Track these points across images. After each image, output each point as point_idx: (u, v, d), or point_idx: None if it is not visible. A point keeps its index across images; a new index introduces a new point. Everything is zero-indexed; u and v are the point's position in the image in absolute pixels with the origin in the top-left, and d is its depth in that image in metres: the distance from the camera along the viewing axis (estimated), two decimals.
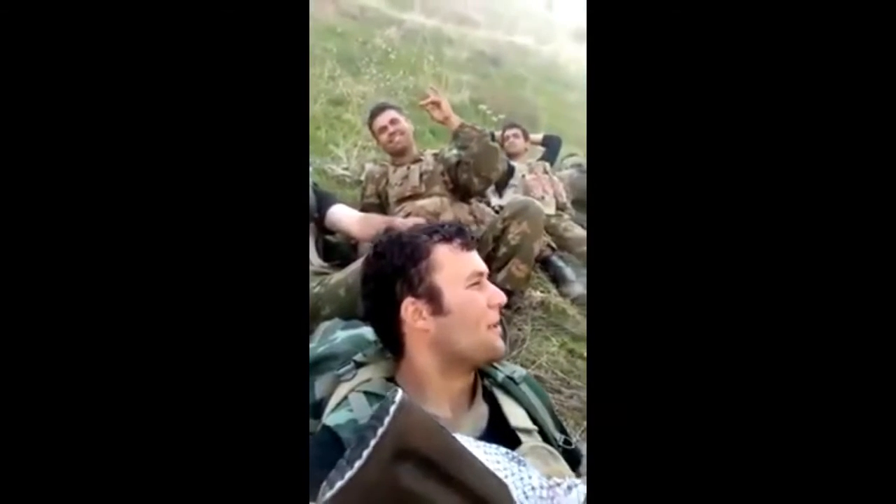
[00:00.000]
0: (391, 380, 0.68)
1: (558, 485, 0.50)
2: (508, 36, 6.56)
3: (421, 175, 1.93)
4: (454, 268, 0.65)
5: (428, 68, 4.15)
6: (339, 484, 0.36)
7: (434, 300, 0.64)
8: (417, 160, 1.96)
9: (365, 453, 0.37)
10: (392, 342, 0.69)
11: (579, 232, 2.19)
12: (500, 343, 0.66)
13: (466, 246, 0.67)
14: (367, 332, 0.83)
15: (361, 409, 0.61)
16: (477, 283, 0.66)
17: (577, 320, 1.59)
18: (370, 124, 2.00)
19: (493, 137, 2.87)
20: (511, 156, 2.74)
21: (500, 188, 2.56)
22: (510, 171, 2.58)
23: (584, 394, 1.16)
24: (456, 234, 0.67)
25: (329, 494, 0.36)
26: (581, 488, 0.49)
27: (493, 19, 6.87)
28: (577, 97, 5.56)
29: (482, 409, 0.67)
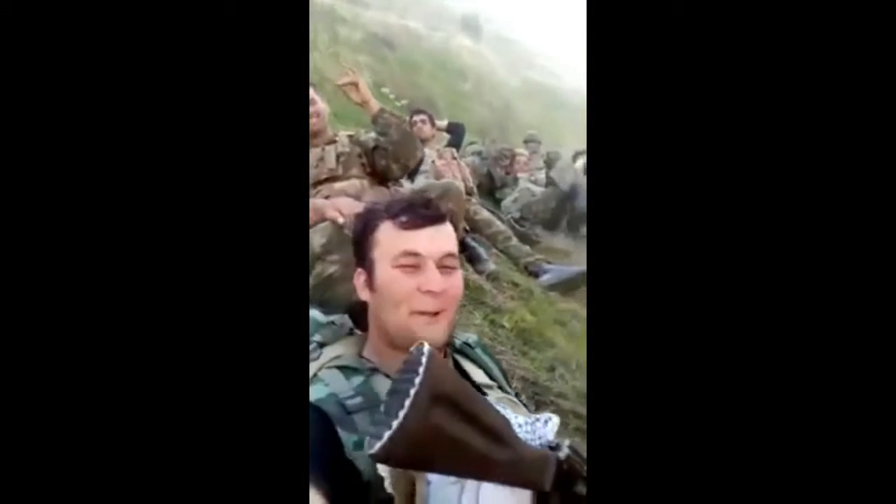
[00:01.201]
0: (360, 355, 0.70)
1: (538, 420, 0.56)
2: (400, 19, 6.54)
3: (337, 157, 1.90)
4: (388, 245, 0.65)
5: (323, 47, 4.00)
6: (387, 433, 0.40)
7: (371, 274, 0.65)
8: (332, 141, 1.92)
9: (407, 402, 0.41)
10: (361, 312, 0.72)
11: (486, 215, 2.35)
12: (421, 333, 0.61)
13: (409, 224, 0.64)
14: (317, 314, 0.84)
15: (338, 384, 0.61)
16: (411, 265, 0.63)
17: (493, 294, 1.74)
18: None
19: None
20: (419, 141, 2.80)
21: (412, 173, 2.61)
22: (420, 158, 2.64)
23: (509, 357, 1.30)
24: (402, 211, 0.65)
25: (379, 445, 0.40)
26: (555, 419, 0.55)
27: (384, 2, 6.78)
28: (470, 87, 5.78)
29: None
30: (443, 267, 0.64)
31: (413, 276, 0.63)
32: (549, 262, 2.25)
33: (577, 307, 2.02)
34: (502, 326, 1.53)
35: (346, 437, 0.56)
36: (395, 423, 0.41)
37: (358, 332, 0.73)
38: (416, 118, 2.91)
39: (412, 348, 0.50)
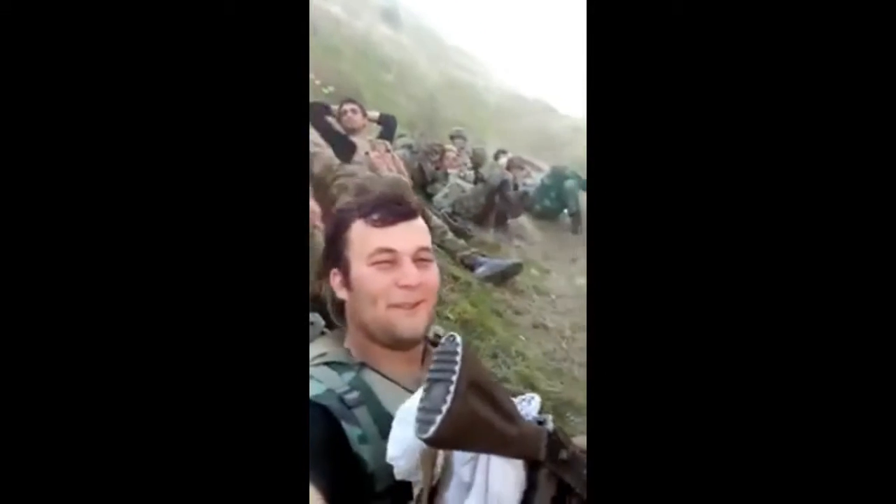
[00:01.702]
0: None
1: (524, 399, 0.62)
2: (321, 3, 6.29)
3: None
4: (361, 244, 0.66)
5: None
6: (439, 418, 0.44)
7: (346, 274, 0.67)
8: None
9: (451, 388, 0.45)
10: (336, 310, 0.72)
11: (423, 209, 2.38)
12: (400, 325, 0.63)
13: (381, 222, 0.65)
14: None
15: (332, 380, 0.62)
16: (386, 262, 0.64)
17: None
18: None
19: (330, 111, 2.83)
20: (349, 131, 2.74)
21: (345, 163, 2.56)
22: (352, 147, 2.59)
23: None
24: (374, 209, 0.66)
25: (433, 429, 0.43)
26: (537, 398, 0.59)
27: None
28: (393, 79, 5.74)
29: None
30: (418, 260, 0.65)
31: (389, 271, 0.64)
32: (483, 256, 2.35)
33: (510, 297, 2.14)
34: (447, 318, 1.59)
35: (351, 431, 0.57)
36: (444, 408, 0.44)
37: (327, 330, 0.74)
38: (347, 107, 2.85)
39: (443, 339, 0.54)
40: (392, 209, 0.67)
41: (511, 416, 0.53)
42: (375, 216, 0.66)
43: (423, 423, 0.46)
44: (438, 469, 0.54)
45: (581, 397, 1.55)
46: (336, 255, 0.68)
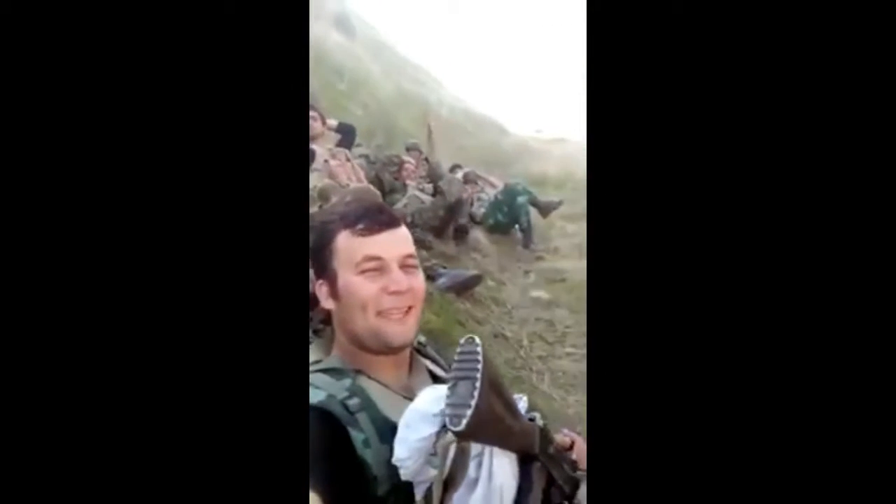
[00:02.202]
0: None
1: (516, 402, 0.67)
2: None
3: None
4: (347, 253, 0.66)
5: None
6: (469, 412, 0.47)
7: (332, 284, 0.67)
8: None
9: (477, 385, 0.49)
10: (324, 320, 0.74)
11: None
12: (390, 332, 0.64)
13: (367, 231, 0.65)
14: None
15: (332, 386, 0.62)
16: (374, 269, 0.65)
17: None
18: None
19: None
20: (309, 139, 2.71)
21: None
22: (311, 154, 2.56)
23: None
24: (358, 218, 0.66)
25: (465, 422, 0.47)
26: (525, 398, 0.64)
27: None
28: (346, 87, 5.71)
29: (422, 375, 0.72)
30: (405, 267, 0.67)
31: (377, 279, 0.65)
32: (443, 267, 2.39)
33: (470, 307, 2.20)
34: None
35: (355, 436, 0.58)
36: (473, 403, 0.48)
37: (314, 338, 0.74)
38: None
39: (463, 340, 0.57)
40: (377, 218, 0.67)
41: (516, 412, 0.58)
42: (361, 225, 0.67)
43: (454, 417, 0.50)
44: (448, 466, 0.57)
45: (542, 403, 1.61)
46: (321, 265, 0.68)
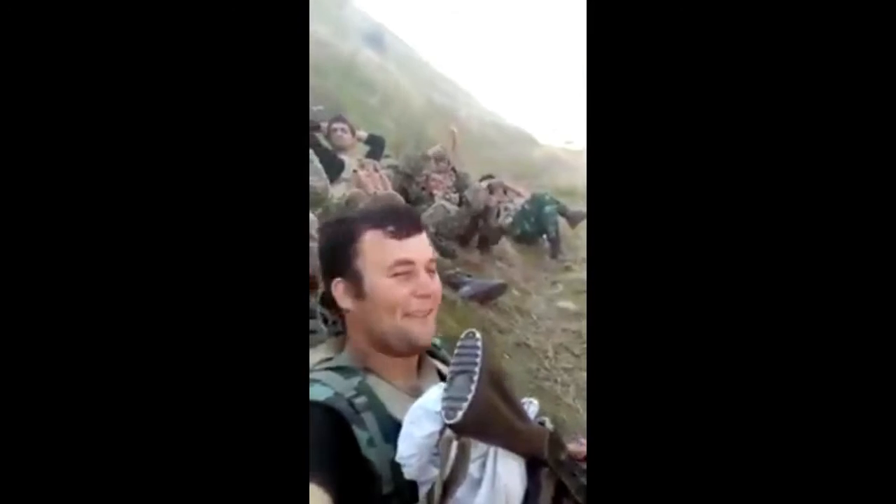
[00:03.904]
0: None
1: (523, 403, 0.63)
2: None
3: None
4: (377, 255, 0.66)
5: None
6: (465, 405, 0.47)
7: (356, 284, 0.66)
8: None
9: (475, 378, 0.49)
10: (338, 320, 0.74)
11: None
12: (416, 333, 0.66)
13: (398, 233, 0.66)
14: None
15: (340, 384, 0.63)
16: (405, 273, 0.66)
17: None
18: None
19: (318, 128, 2.86)
20: (338, 149, 2.78)
21: (331, 182, 2.58)
22: (340, 165, 2.63)
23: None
24: (387, 219, 0.67)
25: (461, 414, 0.46)
26: (535, 402, 0.64)
27: None
28: (377, 102, 5.83)
29: (432, 375, 0.73)
30: (429, 271, 0.68)
31: (406, 282, 0.66)
32: (467, 276, 2.39)
33: (494, 316, 2.18)
34: (435, 336, 1.60)
35: (360, 434, 0.58)
36: (469, 396, 0.48)
37: (327, 337, 0.74)
38: (336, 125, 2.89)
39: (463, 335, 0.57)
40: (408, 221, 0.68)
41: (521, 413, 0.57)
42: (392, 227, 0.66)
43: (449, 410, 0.50)
44: (450, 464, 0.56)
45: (564, 414, 1.58)
46: (340, 264, 0.68)
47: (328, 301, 0.72)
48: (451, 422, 0.48)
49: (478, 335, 0.52)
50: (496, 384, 0.52)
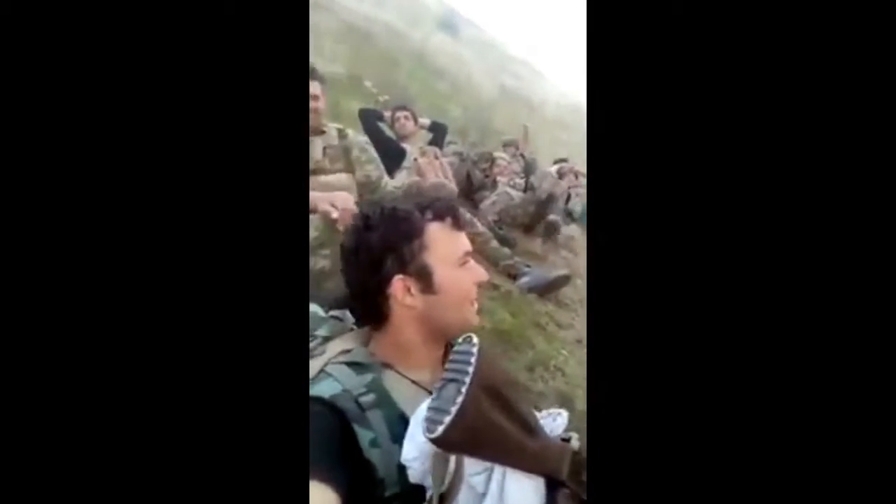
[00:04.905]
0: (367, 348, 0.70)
1: (549, 415, 0.59)
2: (377, 12, 6.47)
3: (324, 149, 1.87)
4: (446, 247, 0.65)
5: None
6: (448, 419, 0.41)
7: (424, 279, 0.64)
8: (320, 132, 1.89)
9: (464, 390, 0.43)
10: (374, 314, 0.70)
11: (468, 216, 2.37)
12: (474, 319, 0.68)
13: (458, 225, 0.66)
14: (316, 308, 0.82)
15: (349, 380, 0.61)
16: (465, 262, 0.67)
17: None
18: None
19: (382, 117, 2.89)
20: (401, 137, 2.79)
21: (392, 170, 2.60)
22: (401, 153, 2.63)
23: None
24: (448, 211, 0.66)
25: (442, 429, 0.41)
26: (564, 415, 0.58)
27: None
28: (446, 87, 5.80)
29: None
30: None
31: (467, 272, 0.67)
32: (527, 266, 2.30)
33: (553, 309, 2.07)
34: (482, 327, 1.55)
35: (363, 434, 0.56)
36: (454, 409, 0.43)
37: (355, 328, 0.72)
38: (399, 114, 2.89)
39: (461, 339, 0.52)
40: (461, 213, 0.68)
41: (530, 427, 0.50)
42: (451, 219, 0.66)
43: (431, 423, 0.45)
44: (449, 475, 0.52)
45: None
46: (403, 259, 0.64)
47: (366, 295, 0.69)
48: (432, 436, 0.42)
49: (475, 340, 0.47)
50: (495, 395, 0.46)
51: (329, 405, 0.57)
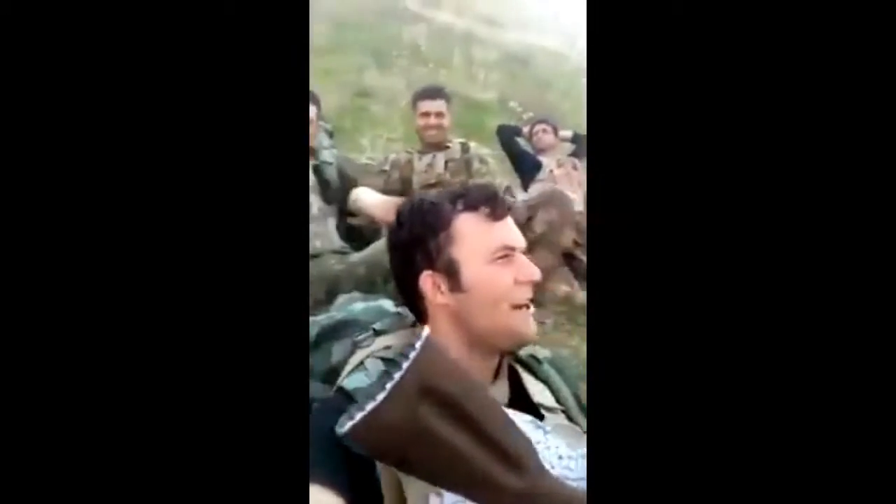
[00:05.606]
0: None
1: (583, 455, 0.46)
2: (539, 37, 6.52)
3: (446, 163, 1.90)
4: (477, 240, 0.58)
5: (458, 64, 4.13)
6: (359, 415, 0.33)
7: (452, 275, 0.59)
8: (444, 148, 1.93)
9: (389, 385, 0.34)
10: (415, 313, 0.65)
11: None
12: (526, 327, 0.59)
13: (495, 215, 0.59)
14: (387, 303, 0.79)
15: (376, 376, 0.58)
16: (505, 257, 0.59)
17: None
18: (415, 101, 1.96)
19: (520, 132, 2.85)
20: (539, 151, 2.69)
21: (526, 183, 2.52)
22: (537, 166, 2.54)
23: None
24: (483, 200, 0.60)
25: (349, 425, 0.33)
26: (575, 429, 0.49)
27: (523, 20, 6.83)
28: None
29: (504, 387, 0.63)
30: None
31: (507, 268, 0.58)
32: None
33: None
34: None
35: None
36: (369, 406, 0.33)
37: (417, 325, 0.66)
38: (538, 127, 2.80)
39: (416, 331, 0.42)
40: (500, 202, 0.60)
41: (517, 460, 0.37)
42: (487, 209, 0.59)
43: (345, 416, 0.36)
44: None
45: None
46: (429, 254, 0.60)
47: (404, 292, 0.66)
48: (340, 430, 0.34)
49: (425, 332, 0.36)
50: (441, 402, 0.35)
51: (348, 396, 0.55)
